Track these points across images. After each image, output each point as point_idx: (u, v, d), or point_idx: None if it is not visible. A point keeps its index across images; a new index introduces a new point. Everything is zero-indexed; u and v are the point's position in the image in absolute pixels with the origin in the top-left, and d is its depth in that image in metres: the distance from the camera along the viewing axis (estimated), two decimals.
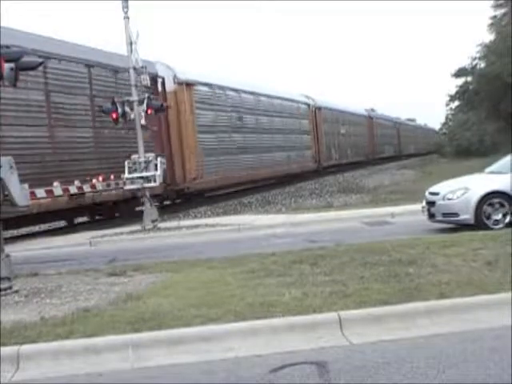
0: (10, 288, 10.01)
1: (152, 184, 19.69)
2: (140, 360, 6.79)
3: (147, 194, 19.77)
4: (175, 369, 6.57)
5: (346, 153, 61.38)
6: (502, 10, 51.47)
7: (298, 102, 49.73)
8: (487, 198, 14.07)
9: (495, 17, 52.64)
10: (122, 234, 19.14)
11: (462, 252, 10.23)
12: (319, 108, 53.71)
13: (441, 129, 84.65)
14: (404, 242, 12.01)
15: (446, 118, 75.39)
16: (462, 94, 60.21)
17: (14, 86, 10.29)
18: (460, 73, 57.86)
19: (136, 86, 20.16)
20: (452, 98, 64.08)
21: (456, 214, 14.27)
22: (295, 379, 6.01)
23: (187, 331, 7.16)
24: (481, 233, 12.66)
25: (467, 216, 14.09)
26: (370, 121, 73.78)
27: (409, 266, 9.44)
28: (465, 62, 57.19)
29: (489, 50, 52.12)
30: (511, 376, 5.55)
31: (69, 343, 7.08)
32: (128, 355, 6.83)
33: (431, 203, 14.79)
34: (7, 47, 9.97)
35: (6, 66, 9.78)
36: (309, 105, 51.62)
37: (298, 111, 49.46)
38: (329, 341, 6.90)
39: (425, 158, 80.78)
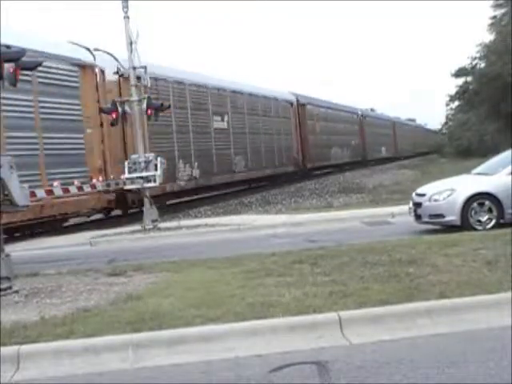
0: (10, 288, 10.00)
1: (152, 184, 19.69)
2: (140, 360, 6.78)
3: (147, 193, 19.77)
4: (175, 369, 6.56)
5: (228, 165, 34.46)
6: (502, 10, 51.55)
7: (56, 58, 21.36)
8: (473, 199, 14.10)
9: (495, 17, 52.72)
10: (122, 233, 19.14)
11: (462, 252, 10.23)
12: (138, 78, 20.95)
13: (441, 129, 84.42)
14: (404, 241, 12.02)
15: (446, 118, 75.35)
16: (462, 94, 60.25)
17: (14, 86, 10.27)
18: (460, 73, 57.90)
19: (136, 86, 20.16)
20: (452, 98, 64.11)
21: (442, 216, 14.29)
22: (295, 379, 6.01)
23: (187, 331, 7.16)
24: (480, 233, 12.69)
25: (453, 217, 14.11)
26: (302, 110, 47.99)
27: (409, 265, 9.44)
28: (465, 62, 57.31)
29: (489, 50, 52.20)
30: (511, 376, 5.55)
31: (69, 343, 7.07)
32: (128, 355, 6.83)
33: (418, 204, 14.81)
34: (7, 47, 9.96)
35: (6, 66, 9.77)
36: (81, 66, 22.77)
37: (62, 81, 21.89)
38: (329, 341, 6.90)
39: (417, 159, 75.77)
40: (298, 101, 47.40)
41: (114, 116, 19.74)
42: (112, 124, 20.46)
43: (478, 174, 15.70)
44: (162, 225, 19.80)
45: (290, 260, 10.73)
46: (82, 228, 22.60)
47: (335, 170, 55.17)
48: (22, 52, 10.18)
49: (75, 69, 22.71)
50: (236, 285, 9.14)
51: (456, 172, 19.05)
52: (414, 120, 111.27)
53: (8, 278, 10.03)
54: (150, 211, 19.68)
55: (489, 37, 53.80)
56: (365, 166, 62.32)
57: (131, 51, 19.99)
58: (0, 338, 7.22)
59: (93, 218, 25.83)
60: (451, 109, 70.11)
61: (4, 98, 13.44)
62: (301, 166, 46.66)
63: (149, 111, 19.99)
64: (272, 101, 43.14)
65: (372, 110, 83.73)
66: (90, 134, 23.05)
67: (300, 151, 47.05)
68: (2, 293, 9.77)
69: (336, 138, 56.29)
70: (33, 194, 17.08)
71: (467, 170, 17.15)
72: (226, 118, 34.89)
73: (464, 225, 13.87)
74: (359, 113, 68.00)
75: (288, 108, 46.18)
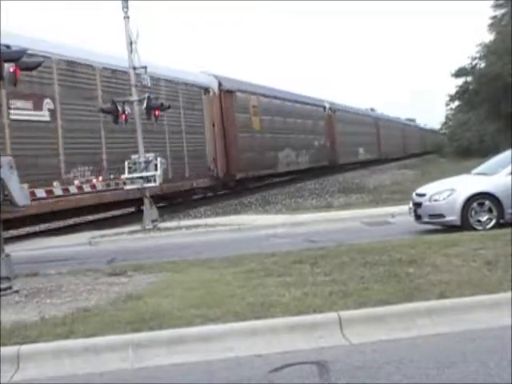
0: (10, 288, 10.00)
1: (152, 184, 19.69)
2: (140, 360, 6.78)
3: (147, 194, 19.77)
4: (175, 369, 6.56)
5: (49, 182, 20.46)
6: (502, 10, 51.60)
7: None
8: (473, 199, 14.11)
9: (495, 17, 52.75)
10: (122, 233, 19.14)
11: (462, 252, 10.23)
12: None
13: (441, 129, 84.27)
14: (404, 241, 12.02)
15: (446, 118, 75.29)
16: (461, 94, 60.17)
17: (14, 86, 10.27)
18: (460, 73, 57.82)
19: (136, 85, 20.15)
20: (452, 98, 64.00)
21: (442, 216, 14.30)
22: (295, 379, 6.01)
23: (187, 331, 7.15)
24: (480, 233, 12.70)
25: (453, 217, 14.13)
26: (228, 99, 34.55)
27: (409, 265, 9.45)
28: (465, 62, 57.23)
29: (489, 50, 52.20)
30: (511, 376, 5.55)
31: (69, 343, 7.07)
32: (128, 355, 6.82)
33: (418, 204, 14.83)
34: (7, 47, 9.96)
35: (6, 66, 9.77)
36: None
37: None
38: (329, 341, 6.90)
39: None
40: (220, 86, 33.92)
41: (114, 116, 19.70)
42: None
43: (478, 174, 15.72)
44: (162, 225, 19.80)
45: (290, 260, 10.73)
46: (81, 228, 22.60)
47: (287, 180, 43.16)
48: (22, 52, 10.18)
49: None
50: (236, 285, 9.14)
51: (456, 172, 19.06)
52: (413, 120, 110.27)
53: (8, 278, 10.03)
54: (149, 211, 19.68)
55: (489, 37, 53.89)
56: (335, 172, 50.56)
57: (131, 51, 19.98)
58: (0, 338, 7.22)
59: (92, 218, 25.85)
60: (451, 109, 70.11)
61: None
62: (221, 179, 33.21)
63: (157, 112, 20.01)
64: (165, 84, 28.54)
65: (372, 109, 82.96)
66: None
67: (223, 157, 33.31)
68: (2, 293, 9.77)
69: (288, 137, 43.16)
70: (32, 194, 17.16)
71: (467, 170, 17.17)
72: (47, 105, 21.03)
73: (464, 225, 13.88)
74: (326, 106, 53.88)
75: (199, 96, 31.93)
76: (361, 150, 62.92)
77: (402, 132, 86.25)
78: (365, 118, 68.60)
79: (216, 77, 34.31)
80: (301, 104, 47.73)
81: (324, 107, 53.74)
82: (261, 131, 38.87)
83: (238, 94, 36.11)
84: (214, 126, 32.99)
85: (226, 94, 34.58)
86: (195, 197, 31.59)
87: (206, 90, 32.79)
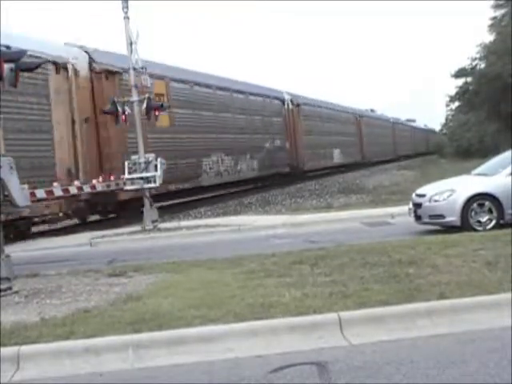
0: (10, 288, 10.01)
1: (152, 185, 19.69)
2: (140, 360, 6.79)
3: (147, 194, 19.77)
4: (175, 369, 6.57)
5: None
6: (502, 11, 51.65)
7: None
8: (473, 199, 14.12)
9: (495, 17, 52.82)
10: (122, 234, 19.14)
11: (462, 252, 10.23)
12: None
13: (441, 129, 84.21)
14: (404, 242, 12.03)
15: (446, 118, 75.38)
16: (462, 94, 60.24)
17: (15, 86, 10.26)
18: (460, 73, 57.90)
19: (136, 86, 20.15)
20: (452, 99, 64.08)
21: (442, 216, 14.30)
22: (295, 380, 6.01)
23: (187, 332, 7.16)
24: (480, 233, 12.70)
25: (453, 218, 14.12)
26: (108, 82, 23.71)
27: (409, 266, 9.45)
28: (465, 63, 57.30)
29: (489, 51, 52.26)
30: (511, 376, 5.55)
31: (69, 344, 7.07)
32: (128, 356, 6.83)
33: (418, 205, 14.83)
34: (7, 47, 9.96)
35: (6, 66, 9.77)
36: None
37: None
38: (329, 341, 6.90)
39: (414, 161, 68.16)
40: (93, 63, 23.64)
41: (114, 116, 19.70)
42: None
43: (478, 174, 15.72)
44: (162, 225, 19.81)
45: (289, 260, 10.74)
46: (82, 228, 22.60)
47: (218, 196, 33.03)
48: (22, 53, 10.17)
49: None
50: (236, 285, 9.15)
51: (456, 173, 19.06)
52: (413, 120, 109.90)
53: (8, 279, 10.04)
54: (150, 212, 19.69)
55: (489, 37, 53.98)
56: (294, 181, 41.11)
57: (131, 51, 19.98)
58: (0, 339, 7.22)
59: (92, 218, 25.84)
60: (451, 109, 70.22)
61: None
62: (89, 200, 21.99)
63: (156, 112, 20.02)
64: None
65: (372, 110, 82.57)
66: None
67: (92, 168, 23.05)
68: (2, 293, 9.78)
69: (221, 138, 33.24)
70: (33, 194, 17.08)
71: (467, 171, 17.17)
72: None
73: (464, 225, 13.88)
74: (286, 98, 43.62)
75: (44, 75, 20.89)
76: (336, 153, 52.87)
77: (392, 131, 77.23)
78: (342, 114, 57.81)
79: (86, 51, 23.25)
80: (244, 95, 37.22)
81: (283, 100, 43.27)
82: (170, 130, 28.21)
83: (127, 76, 21.71)
84: (74, 122, 22.42)
85: (103, 74, 23.80)
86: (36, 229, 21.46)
87: (60, 66, 21.59)
